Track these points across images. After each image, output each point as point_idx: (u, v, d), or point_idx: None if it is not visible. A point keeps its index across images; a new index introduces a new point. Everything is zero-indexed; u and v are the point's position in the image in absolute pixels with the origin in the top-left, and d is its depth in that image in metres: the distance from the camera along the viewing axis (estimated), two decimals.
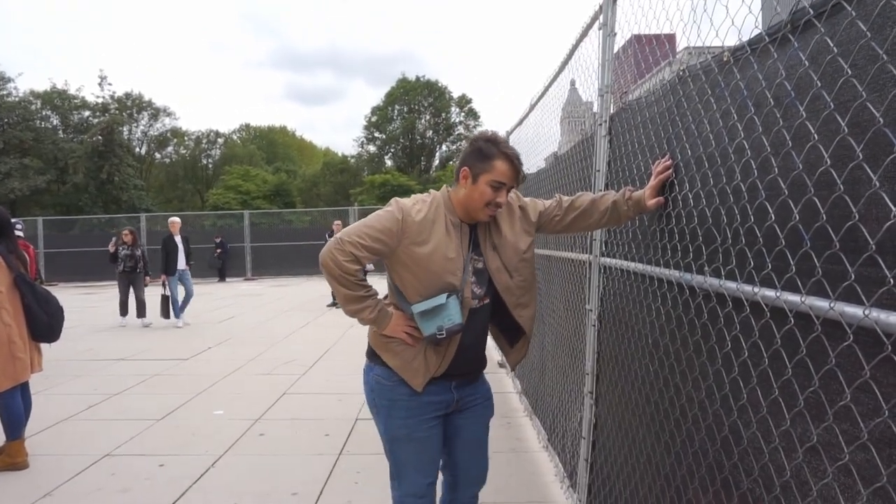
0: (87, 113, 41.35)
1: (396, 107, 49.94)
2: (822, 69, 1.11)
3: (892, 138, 0.92)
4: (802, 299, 1.15)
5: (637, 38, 2.48)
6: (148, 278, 10.17)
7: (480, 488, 2.32)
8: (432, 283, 1.94)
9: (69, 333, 4.01)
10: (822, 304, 1.09)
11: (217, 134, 53.89)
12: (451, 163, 48.89)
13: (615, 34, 2.55)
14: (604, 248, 2.71)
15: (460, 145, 49.42)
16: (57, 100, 40.26)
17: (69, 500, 3.42)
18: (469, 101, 50.25)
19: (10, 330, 3.70)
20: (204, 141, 52.96)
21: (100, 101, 41.19)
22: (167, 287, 9.71)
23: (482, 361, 2.22)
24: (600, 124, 2.70)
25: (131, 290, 10.08)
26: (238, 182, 41.42)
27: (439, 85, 49.44)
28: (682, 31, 1.77)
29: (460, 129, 50.19)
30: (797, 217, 1.17)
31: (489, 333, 2.25)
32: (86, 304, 13.61)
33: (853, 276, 1.01)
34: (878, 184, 0.95)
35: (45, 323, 3.86)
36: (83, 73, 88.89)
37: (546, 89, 4.11)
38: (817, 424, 1.15)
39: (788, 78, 1.21)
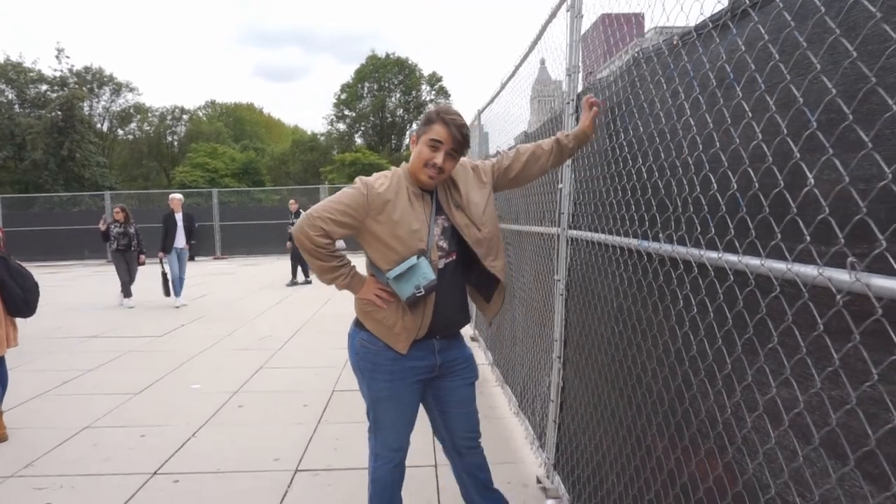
0: (44, 87, 39.96)
1: (366, 84, 49.41)
2: (755, 53, 1.26)
3: (809, 116, 1.07)
4: (739, 259, 1.32)
5: (605, 18, 2.61)
6: (143, 257, 9.92)
7: (477, 438, 2.48)
8: (402, 248, 2.08)
9: (37, 312, 4.04)
10: (755, 262, 1.26)
11: (182, 110, 52.69)
12: None
13: (582, 16, 2.68)
14: (571, 221, 2.87)
15: None
16: (11, 73, 38.76)
17: (52, 469, 3.50)
18: (440, 79, 49.96)
19: None
20: (169, 117, 51.73)
21: (58, 74, 39.91)
22: (164, 265, 9.55)
23: (463, 317, 2.33)
24: (567, 103, 2.84)
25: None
26: (205, 160, 40.71)
27: (409, 62, 49.04)
28: (654, 9, 1.91)
29: (430, 108, 49.86)
30: (735, 186, 1.33)
31: (467, 293, 2.40)
32: (51, 284, 13.37)
33: (779, 236, 1.18)
34: (798, 155, 1.11)
35: (20, 298, 3.89)
36: (38, 46, 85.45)
37: (516, 69, 4.23)
38: (752, 365, 1.32)
39: (728, 61, 1.36)
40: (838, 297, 1.01)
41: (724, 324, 1.41)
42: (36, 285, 4.03)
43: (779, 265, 1.16)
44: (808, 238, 1.08)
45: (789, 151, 1.14)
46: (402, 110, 50.29)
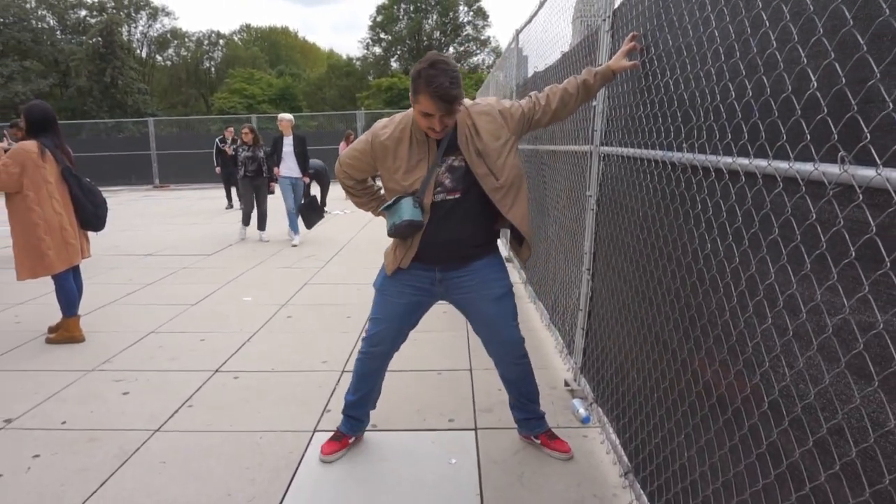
0: (83, 12, 40.21)
1: (402, 6, 48.08)
2: None
3: (818, 23, 1.17)
4: (750, 161, 1.44)
5: None
6: (273, 184, 8.64)
7: (515, 356, 2.61)
8: (397, 189, 2.31)
9: (100, 231, 4.41)
10: (762, 163, 1.38)
11: (218, 35, 52.46)
12: (459, 66, 47.61)
13: None
14: (603, 138, 2.97)
15: (468, 47, 48.06)
16: None
17: (126, 365, 3.90)
18: (477, 0, 48.23)
19: (60, 218, 4.05)
20: (205, 42, 51.66)
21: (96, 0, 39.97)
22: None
23: (464, 252, 2.41)
24: (604, 20, 2.88)
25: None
26: (242, 86, 40.89)
27: None
28: None
29: (468, 30, 48.53)
30: (750, 93, 1.43)
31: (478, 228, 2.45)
32: None
33: (784, 137, 1.30)
34: (805, 60, 1.21)
35: (91, 212, 4.22)
36: None
37: None
38: (755, 257, 1.46)
39: None
40: (829, 188, 1.14)
41: (750, 224, 1.55)
42: (104, 201, 4.35)
43: (782, 164, 1.29)
44: (780, 136, 1.20)
45: (798, 58, 1.24)
46: (438, 33, 48.97)
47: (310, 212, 7.74)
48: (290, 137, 8.15)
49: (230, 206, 12.99)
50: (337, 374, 3.70)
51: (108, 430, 3.02)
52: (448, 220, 2.32)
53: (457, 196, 2.30)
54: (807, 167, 1.20)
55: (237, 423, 3.08)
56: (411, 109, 2.29)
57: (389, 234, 2.33)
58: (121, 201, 15.68)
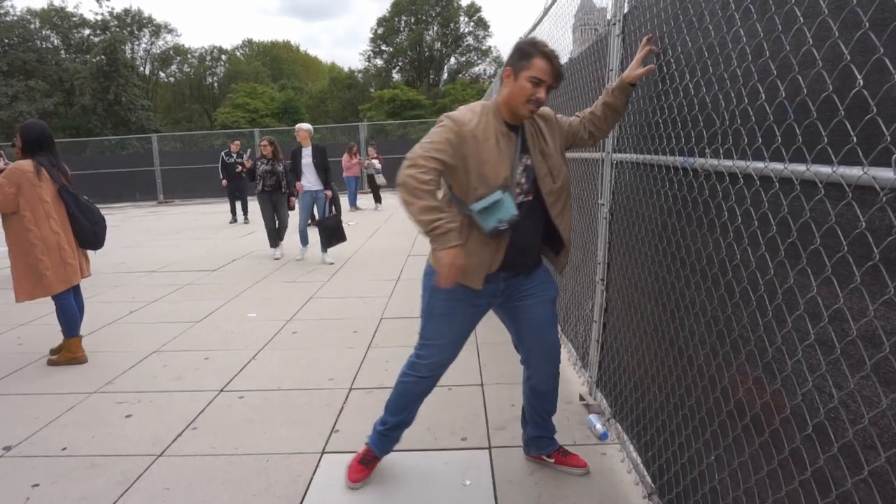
0: (87, 32, 40.54)
1: (403, 18, 48.32)
2: None
3: (863, 17, 1.08)
4: (785, 166, 1.34)
5: None
6: (293, 199, 8.09)
7: (555, 364, 2.51)
8: (485, 186, 2.10)
9: (99, 249, 4.30)
10: (800, 167, 1.29)
11: (220, 51, 52.78)
12: (460, 76, 47.94)
13: None
14: (615, 145, 2.88)
15: (469, 57, 48.24)
16: (56, 18, 39.42)
17: (129, 386, 3.81)
18: (478, 10, 48.54)
19: (58, 237, 3.98)
20: (208, 58, 51.98)
21: (99, 18, 40.41)
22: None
23: (536, 256, 2.38)
24: (614, 24, 2.80)
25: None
26: (245, 100, 41.05)
27: None
28: None
29: (469, 40, 48.70)
30: (783, 94, 1.34)
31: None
32: (108, 224, 13.95)
33: (825, 140, 1.20)
34: (849, 57, 1.12)
35: (89, 231, 4.14)
36: None
37: None
38: (793, 268, 1.37)
39: None
40: (881, 194, 1.04)
41: (768, 231, 1.45)
42: (103, 219, 4.28)
43: (824, 169, 1.19)
44: (825, 139, 1.11)
45: (842, 55, 1.14)
46: (439, 44, 49.16)
47: (333, 231, 7.53)
48: (309, 148, 7.64)
49: (234, 220, 12.98)
50: (344, 392, 3.60)
51: (109, 456, 2.92)
52: (530, 221, 2.23)
53: (531, 198, 2.23)
54: (854, 171, 1.10)
55: (243, 446, 2.98)
56: (489, 102, 2.22)
57: (492, 235, 2.11)
58: (125, 217, 15.66)
